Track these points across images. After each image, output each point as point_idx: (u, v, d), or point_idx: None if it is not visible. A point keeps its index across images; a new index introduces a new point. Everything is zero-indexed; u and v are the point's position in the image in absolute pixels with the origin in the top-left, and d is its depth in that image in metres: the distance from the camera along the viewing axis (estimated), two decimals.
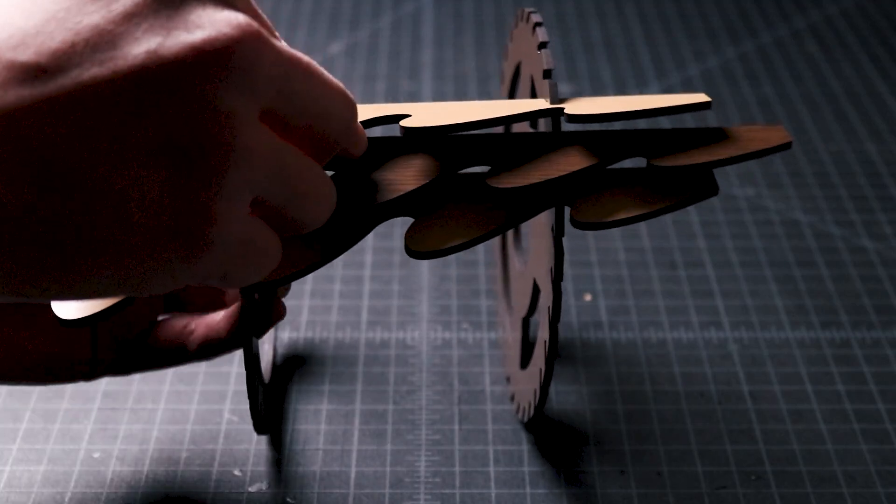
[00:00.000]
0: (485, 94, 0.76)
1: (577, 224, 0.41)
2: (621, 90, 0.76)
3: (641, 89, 0.77)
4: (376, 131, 0.72)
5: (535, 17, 0.45)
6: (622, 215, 0.41)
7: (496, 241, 0.57)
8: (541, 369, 0.45)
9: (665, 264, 0.60)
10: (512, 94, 0.51)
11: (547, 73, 0.42)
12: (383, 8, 0.88)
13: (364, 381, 0.53)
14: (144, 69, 0.29)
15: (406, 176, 0.41)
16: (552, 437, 0.50)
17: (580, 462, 0.48)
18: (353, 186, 0.40)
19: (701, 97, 0.42)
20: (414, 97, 0.76)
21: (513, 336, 0.52)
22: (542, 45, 0.43)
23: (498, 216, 0.42)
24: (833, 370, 0.53)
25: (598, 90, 0.76)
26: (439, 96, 0.76)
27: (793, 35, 0.84)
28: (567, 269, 0.60)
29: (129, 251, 0.29)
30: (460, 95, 0.76)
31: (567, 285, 0.59)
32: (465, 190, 0.43)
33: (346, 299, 0.58)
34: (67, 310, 0.39)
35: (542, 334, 0.45)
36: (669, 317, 0.56)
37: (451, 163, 0.42)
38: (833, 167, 0.68)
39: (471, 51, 0.82)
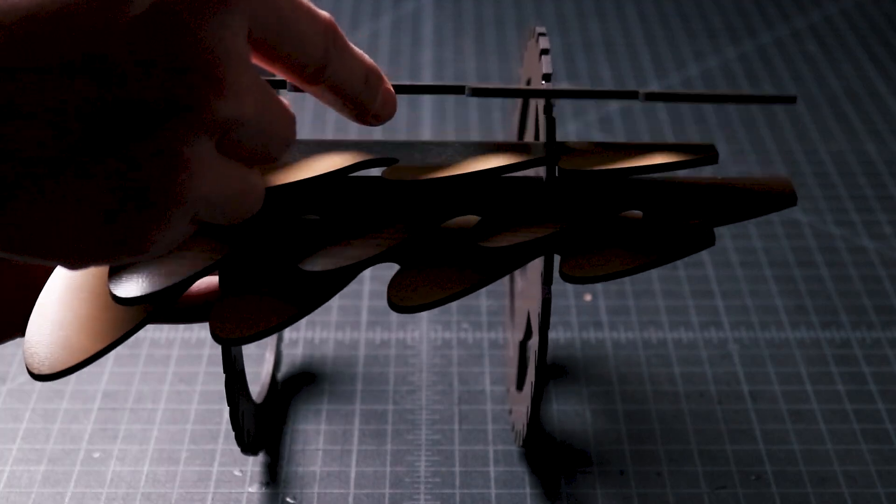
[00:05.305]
0: None
1: (566, 278, 0.39)
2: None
3: (641, 89, 0.76)
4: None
5: (543, 43, 0.43)
6: (614, 269, 0.39)
7: None
8: (527, 407, 0.45)
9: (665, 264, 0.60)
10: (525, 105, 0.50)
11: (547, 109, 0.41)
12: (383, 8, 0.88)
13: (364, 381, 0.53)
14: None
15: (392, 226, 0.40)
16: (552, 438, 0.50)
17: (580, 462, 0.48)
18: (337, 234, 0.39)
19: (709, 149, 0.41)
20: (414, 97, 0.76)
21: (512, 355, 0.51)
22: (546, 78, 0.42)
23: (486, 267, 0.40)
24: (833, 370, 0.53)
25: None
26: (439, 96, 0.76)
27: (793, 35, 0.84)
28: None
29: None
30: (460, 96, 0.76)
31: (567, 285, 0.59)
32: (454, 238, 0.41)
33: (346, 299, 0.58)
34: (126, 288, 0.37)
35: (530, 375, 0.44)
36: (669, 317, 0.56)
37: (439, 211, 0.40)
38: (833, 167, 0.68)
39: (471, 51, 0.82)
